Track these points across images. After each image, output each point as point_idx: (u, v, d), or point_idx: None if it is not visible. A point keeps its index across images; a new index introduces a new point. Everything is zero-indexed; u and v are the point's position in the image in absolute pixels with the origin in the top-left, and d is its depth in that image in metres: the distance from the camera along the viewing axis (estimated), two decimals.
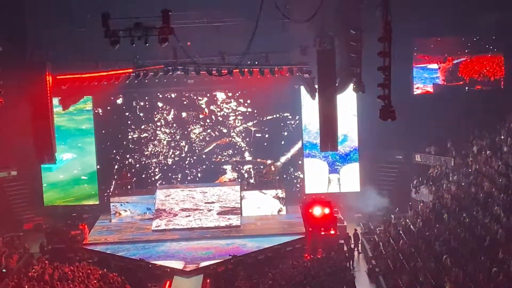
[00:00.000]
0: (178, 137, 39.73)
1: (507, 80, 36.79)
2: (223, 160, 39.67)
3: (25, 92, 29.43)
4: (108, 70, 31.92)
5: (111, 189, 38.73)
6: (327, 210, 31.62)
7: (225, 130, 39.55)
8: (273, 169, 38.44)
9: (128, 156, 39.82)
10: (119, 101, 39.35)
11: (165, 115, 39.61)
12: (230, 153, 39.71)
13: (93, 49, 30.10)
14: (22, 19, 28.45)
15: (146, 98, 39.27)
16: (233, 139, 39.59)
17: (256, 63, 31.69)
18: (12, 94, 28.73)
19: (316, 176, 39.08)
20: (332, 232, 31.76)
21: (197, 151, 39.63)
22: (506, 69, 36.86)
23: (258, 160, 39.34)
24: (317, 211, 31.53)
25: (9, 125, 35.29)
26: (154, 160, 39.85)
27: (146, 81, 33.11)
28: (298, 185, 39.49)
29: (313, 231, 31.76)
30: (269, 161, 39.02)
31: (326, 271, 26.85)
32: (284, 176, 38.97)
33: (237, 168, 39.73)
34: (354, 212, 35.93)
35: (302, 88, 36.90)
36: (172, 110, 39.57)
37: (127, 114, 39.57)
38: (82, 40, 30.45)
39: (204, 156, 39.66)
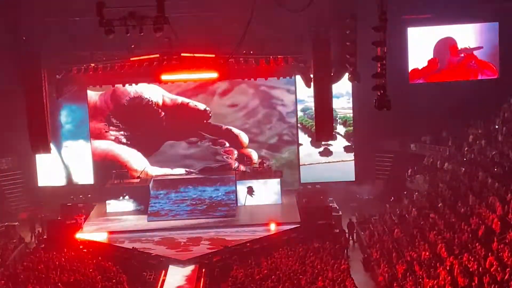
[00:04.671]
0: None
1: (502, 69, 36.70)
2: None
3: (19, 81, 29.34)
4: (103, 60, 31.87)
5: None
6: None
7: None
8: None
9: None
10: None
11: None
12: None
13: (87, 39, 29.95)
14: (16, 9, 28.28)
15: None
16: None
17: (251, 52, 31.55)
18: (7, 84, 28.62)
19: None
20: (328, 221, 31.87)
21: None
22: (502, 58, 36.74)
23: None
24: None
25: (4, 115, 35.24)
26: None
27: None
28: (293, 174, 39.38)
29: (308, 220, 31.89)
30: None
31: (321, 261, 26.91)
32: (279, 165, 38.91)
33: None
34: (349, 201, 35.97)
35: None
36: None
37: None
38: (77, 30, 30.27)
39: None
